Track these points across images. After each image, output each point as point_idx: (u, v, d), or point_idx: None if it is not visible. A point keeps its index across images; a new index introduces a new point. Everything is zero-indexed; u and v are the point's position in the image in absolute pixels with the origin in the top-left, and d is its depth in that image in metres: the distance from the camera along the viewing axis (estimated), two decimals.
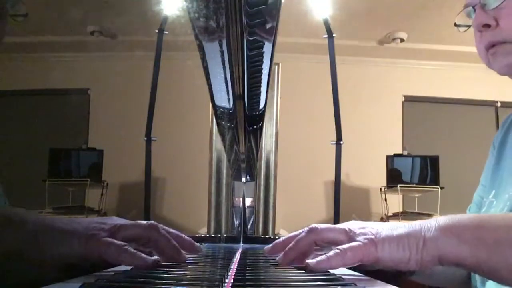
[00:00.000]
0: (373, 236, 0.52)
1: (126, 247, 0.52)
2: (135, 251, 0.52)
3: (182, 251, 0.57)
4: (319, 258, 0.51)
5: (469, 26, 0.78)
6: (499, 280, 0.52)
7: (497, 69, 0.74)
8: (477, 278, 0.75)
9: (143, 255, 0.52)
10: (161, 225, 0.58)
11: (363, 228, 0.54)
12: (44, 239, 0.52)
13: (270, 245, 0.60)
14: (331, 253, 0.51)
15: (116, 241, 0.52)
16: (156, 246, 0.57)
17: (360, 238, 0.52)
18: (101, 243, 0.52)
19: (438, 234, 0.50)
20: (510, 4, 0.70)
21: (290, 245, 0.56)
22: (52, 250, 0.52)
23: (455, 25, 0.81)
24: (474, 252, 0.49)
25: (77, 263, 0.53)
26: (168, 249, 0.56)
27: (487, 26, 0.72)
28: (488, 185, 0.83)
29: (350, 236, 0.54)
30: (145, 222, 0.57)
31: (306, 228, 0.57)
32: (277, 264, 0.58)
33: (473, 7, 0.75)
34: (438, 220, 0.52)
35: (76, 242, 0.52)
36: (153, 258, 0.54)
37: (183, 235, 0.60)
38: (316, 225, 0.56)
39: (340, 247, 0.51)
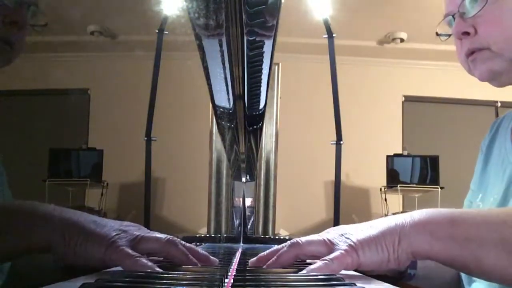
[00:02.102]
0: (352, 243, 0.53)
1: (143, 260, 0.53)
2: (151, 264, 0.53)
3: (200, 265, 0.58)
4: (309, 268, 0.52)
5: (449, 35, 0.79)
6: (468, 273, 0.56)
7: (477, 75, 0.76)
8: (464, 280, 0.76)
9: (158, 268, 0.53)
10: (179, 240, 0.59)
11: (342, 235, 0.55)
12: (70, 237, 0.53)
13: (255, 258, 0.60)
14: (319, 263, 0.52)
15: (132, 253, 0.53)
16: (174, 261, 0.59)
17: (341, 246, 0.53)
18: (119, 252, 0.53)
19: (411, 231, 0.52)
20: (487, 12, 0.71)
21: (272, 259, 0.57)
22: (75, 251, 0.53)
23: (437, 34, 0.83)
24: (446, 248, 0.51)
25: (91, 266, 0.54)
26: (186, 265, 0.57)
27: (466, 33, 0.74)
28: (476, 189, 0.84)
29: (330, 246, 0.55)
30: (164, 236, 0.59)
31: (288, 242, 0.57)
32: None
33: (453, 16, 0.76)
34: (413, 216, 0.54)
35: (97, 247, 0.53)
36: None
37: (199, 250, 0.61)
38: (298, 239, 0.57)
39: (326, 257, 0.52)
